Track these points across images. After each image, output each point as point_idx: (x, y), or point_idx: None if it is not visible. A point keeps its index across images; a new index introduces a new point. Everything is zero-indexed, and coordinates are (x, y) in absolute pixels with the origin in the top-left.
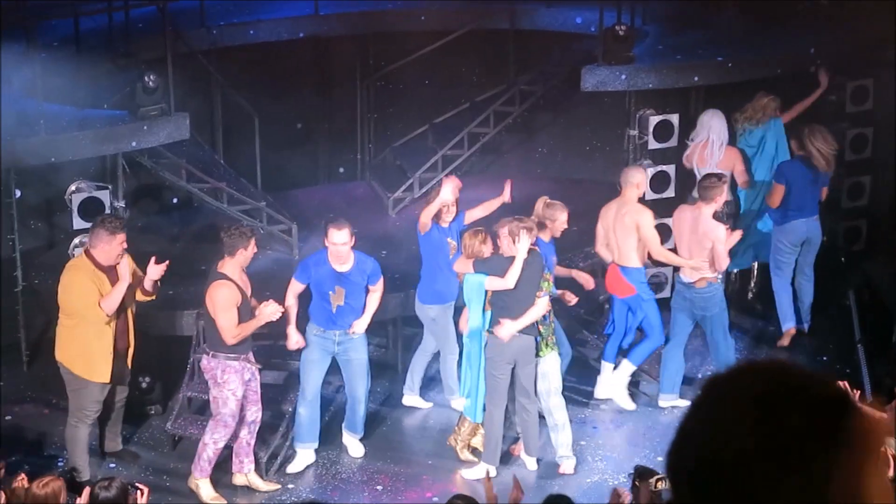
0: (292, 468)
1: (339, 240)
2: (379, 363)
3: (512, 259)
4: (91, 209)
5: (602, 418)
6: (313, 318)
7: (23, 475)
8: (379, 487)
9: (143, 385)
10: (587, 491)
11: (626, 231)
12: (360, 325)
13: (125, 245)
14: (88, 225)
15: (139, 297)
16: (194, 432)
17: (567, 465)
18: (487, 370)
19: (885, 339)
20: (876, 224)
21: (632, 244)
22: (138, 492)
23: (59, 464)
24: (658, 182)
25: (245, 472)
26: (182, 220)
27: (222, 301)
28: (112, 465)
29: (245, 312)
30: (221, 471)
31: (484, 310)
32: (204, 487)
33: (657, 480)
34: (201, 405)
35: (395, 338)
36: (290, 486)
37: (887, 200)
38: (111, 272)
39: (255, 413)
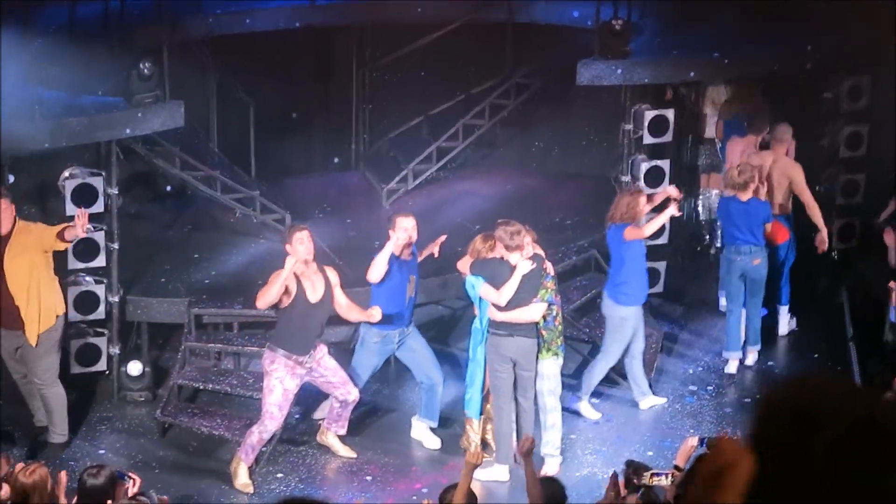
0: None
1: (411, 223)
2: None
3: (506, 264)
4: (84, 195)
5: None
6: (379, 326)
7: (7, 456)
8: (368, 478)
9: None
10: (577, 484)
11: (778, 183)
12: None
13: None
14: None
15: (59, 245)
16: (184, 420)
17: (551, 465)
18: (489, 369)
19: (877, 337)
20: (870, 222)
21: (783, 194)
22: (130, 481)
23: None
24: (652, 177)
25: (329, 432)
26: (175, 207)
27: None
28: (101, 452)
29: (302, 308)
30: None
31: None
32: (241, 474)
33: (651, 475)
34: (191, 393)
35: None
36: (280, 475)
37: (882, 198)
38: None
39: (343, 395)
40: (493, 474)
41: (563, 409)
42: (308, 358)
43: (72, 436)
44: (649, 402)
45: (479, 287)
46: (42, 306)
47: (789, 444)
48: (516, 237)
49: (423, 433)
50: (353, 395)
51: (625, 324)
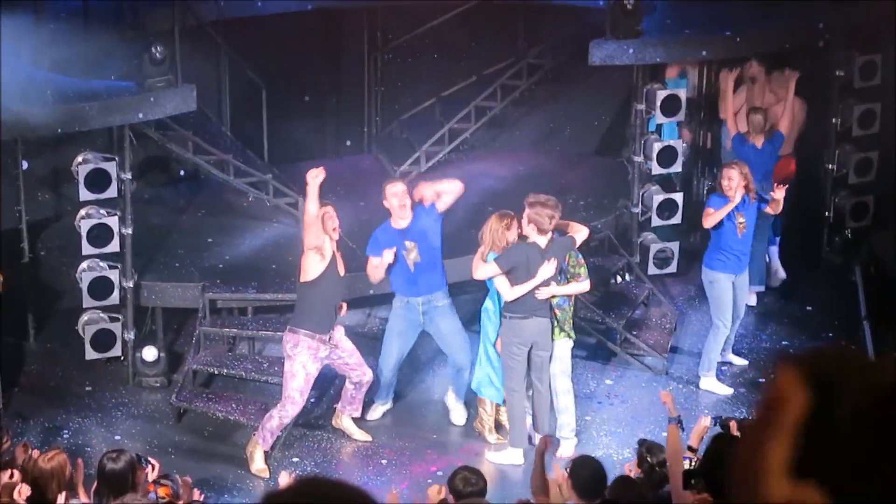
0: (371, 416)
1: (399, 189)
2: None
3: (535, 247)
4: (98, 180)
5: (607, 393)
6: (396, 289)
7: (26, 443)
8: (383, 461)
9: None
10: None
11: (798, 120)
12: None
13: None
14: (95, 196)
15: None
16: (199, 405)
17: (567, 447)
18: (503, 353)
19: (891, 315)
20: (883, 200)
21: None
22: (150, 466)
23: (65, 435)
24: (665, 157)
25: (343, 416)
26: (188, 192)
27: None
28: (117, 438)
29: (330, 280)
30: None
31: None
32: (257, 458)
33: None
34: (206, 378)
35: None
36: (295, 459)
37: (895, 176)
38: None
39: (358, 376)
40: (508, 458)
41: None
42: (330, 336)
43: (87, 422)
44: (707, 383)
45: (497, 281)
46: None
47: (811, 414)
48: (553, 220)
49: (452, 403)
50: (368, 376)
51: (716, 287)
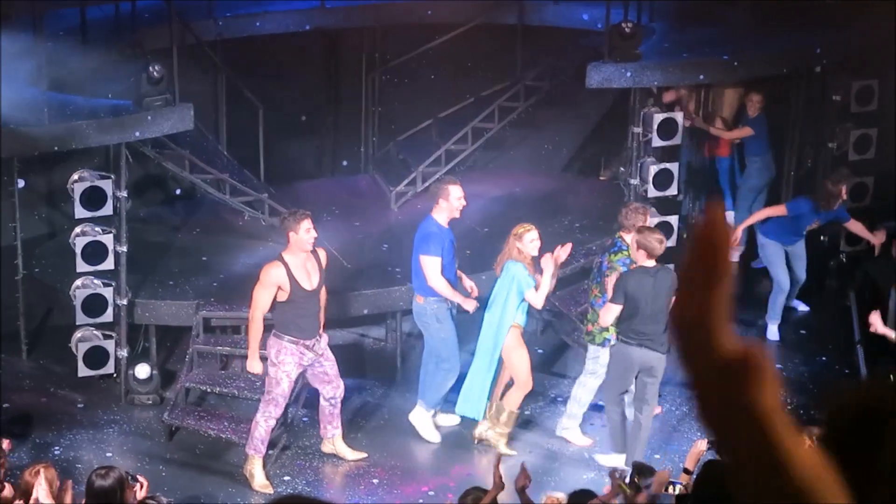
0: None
1: (461, 191)
2: (377, 358)
3: (644, 274)
4: (94, 198)
5: (598, 415)
6: (440, 297)
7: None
8: (375, 481)
9: None
10: (585, 487)
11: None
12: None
13: None
14: (91, 214)
15: None
16: (191, 423)
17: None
18: (610, 374)
19: (885, 340)
20: (879, 224)
21: None
22: (138, 484)
23: (56, 452)
24: (661, 180)
25: (329, 438)
26: (184, 210)
27: (263, 278)
28: (109, 455)
29: (300, 299)
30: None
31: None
32: (257, 473)
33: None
34: (199, 396)
35: (394, 332)
36: (287, 478)
37: (890, 201)
38: None
39: (332, 390)
40: (614, 462)
41: None
42: (315, 343)
43: (79, 439)
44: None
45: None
46: None
47: (857, 442)
48: (662, 244)
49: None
50: (341, 389)
51: (768, 249)
